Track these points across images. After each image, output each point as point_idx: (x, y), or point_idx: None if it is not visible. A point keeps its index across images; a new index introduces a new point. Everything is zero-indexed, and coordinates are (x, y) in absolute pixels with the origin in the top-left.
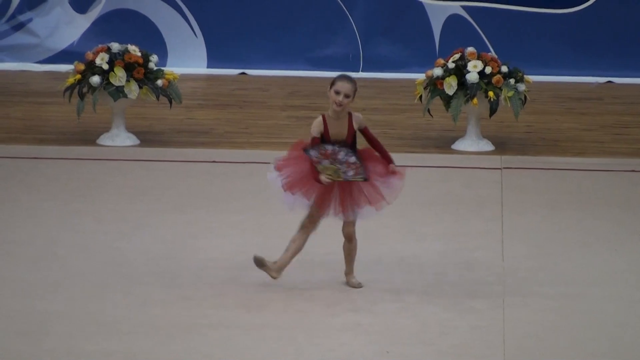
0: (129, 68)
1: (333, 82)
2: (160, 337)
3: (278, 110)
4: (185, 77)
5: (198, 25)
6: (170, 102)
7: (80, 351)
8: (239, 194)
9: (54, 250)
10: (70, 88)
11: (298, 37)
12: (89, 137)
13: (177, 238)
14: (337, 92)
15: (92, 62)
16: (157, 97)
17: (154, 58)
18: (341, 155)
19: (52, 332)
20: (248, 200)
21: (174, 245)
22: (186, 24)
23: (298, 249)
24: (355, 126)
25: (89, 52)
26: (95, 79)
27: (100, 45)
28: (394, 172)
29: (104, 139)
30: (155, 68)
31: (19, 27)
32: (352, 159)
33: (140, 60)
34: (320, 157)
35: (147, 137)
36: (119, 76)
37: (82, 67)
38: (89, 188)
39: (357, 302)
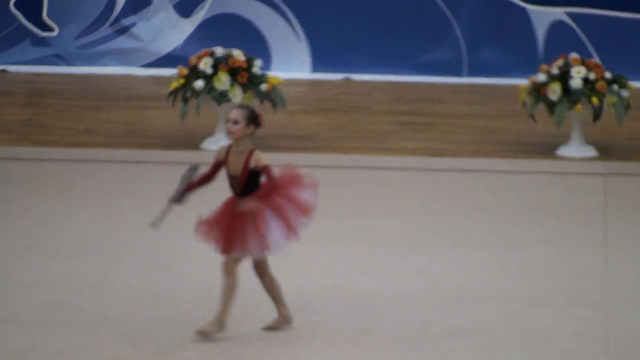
0: (233, 72)
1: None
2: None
3: (382, 115)
4: (289, 82)
5: (302, 29)
6: (274, 107)
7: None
8: (342, 200)
9: (158, 257)
10: (174, 92)
11: (402, 42)
12: (192, 142)
13: None
14: (227, 121)
15: (196, 67)
16: (261, 102)
17: (258, 62)
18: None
19: (158, 337)
20: (352, 206)
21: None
22: (290, 29)
23: (229, 296)
24: (252, 164)
25: (192, 57)
26: (199, 84)
27: (204, 50)
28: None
29: (208, 143)
30: (259, 72)
31: (123, 31)
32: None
33: (244, 65)
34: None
35: None
36: (222, 80)
37: (185, 71)
38: (192, 193)
39: (459, 308)
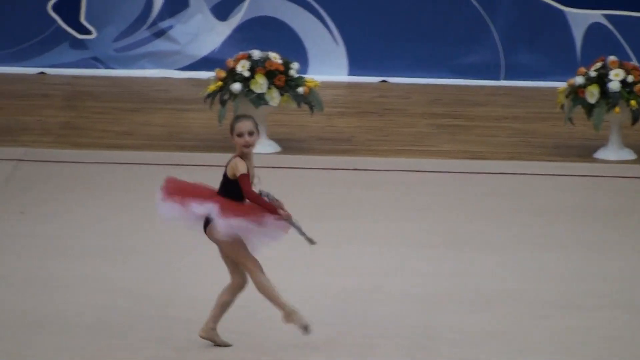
0: (270, 75)
1: (231, 127)
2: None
3: (419, 118)
4: (326, 85)
5: (339, 32)
6: (312, 110)
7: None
8: (379, 202)
9: (201, 260)
10: (212, 95)
11: (439, 45)
12: (230, 144)
13: (315, 247)
14: (240, 135)
15: (233, 70)
16: (299, 105)
17: (295, 65)
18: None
19: (198, 338)
20: (387, 209)
21: (311, 254)
22: (327, 32)
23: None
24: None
25: (230, 60)
26: (237, 86)
27: (241, 53)
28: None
29: None
30: (296, 75)
31: (160, 34)
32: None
33: (281, 68)
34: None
35: (288, 145)
36: (260, 83)
37: (223, 74)
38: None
39: (493, 310)
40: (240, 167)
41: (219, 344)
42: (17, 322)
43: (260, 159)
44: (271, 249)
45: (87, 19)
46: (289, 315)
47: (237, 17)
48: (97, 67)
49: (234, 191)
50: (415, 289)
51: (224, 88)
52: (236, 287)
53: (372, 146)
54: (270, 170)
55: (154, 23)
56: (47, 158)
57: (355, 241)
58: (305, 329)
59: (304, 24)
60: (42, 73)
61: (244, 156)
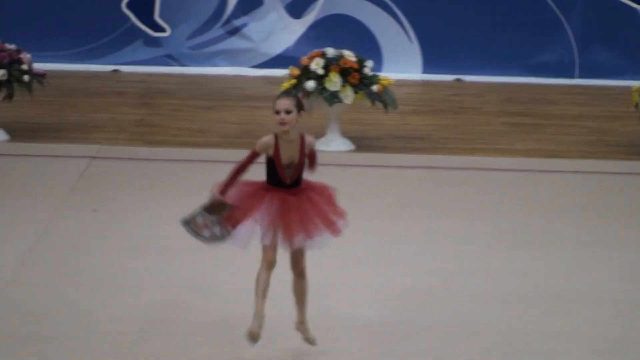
0: (344, 73)
1: (273, 104)
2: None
3: (493, 116)
4: (400, 83)
5: (413, 31)
6: (386, 108)
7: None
8: (452, 201)
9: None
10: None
11: (513, 43)
12: None
13: (388, 245)
14: (277, 112)
15: (307, 67)
16: (373, 103)
17: (369, 63)
18: (210, 229)
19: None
20: (462, 207)
21: (384, 252)
22: (401, 30)
23: (263, 291)
24: (307, 150)
25: (304, 57)
26: (311, 84)
27: (315, 50)
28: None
29: (319, 144)
30: (370, 73)
31: (234, 31)
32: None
33: (356, 66)
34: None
35: (362, 142)
36: (334, 81)
37: (297, 72)
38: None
39: (566, 309)
40: (258, 144)
41: (306, 339)
42: (88, 319)
43: (333, 157)
44: (347, 248)
45: (161, 16)
46: (255, 320)
47: (312, 15)
48: (171, 65)
49: (268, 169)
50: (486, 288)
51: (298, 86)
52: (295, 278)
53: (446, 144)
54: (344, 168)
55: (228, 21)
56: (120, 155)
57: (429, 240)
58: (253, 338)
59: (378, 22)
60: (115, 71)
61: (280, 135)
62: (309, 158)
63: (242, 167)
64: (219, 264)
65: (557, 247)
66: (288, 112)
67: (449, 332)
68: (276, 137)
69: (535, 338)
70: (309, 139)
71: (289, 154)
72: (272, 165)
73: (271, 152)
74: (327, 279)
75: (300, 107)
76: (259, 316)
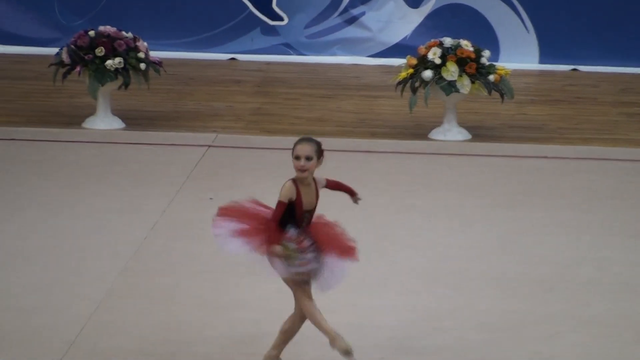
0: (461, 63)
1: (293, 148)
2: (481, 332)
3: (609, 106)
4: (516, 73)
5: (530, 20)
6: (502, 97)
7: (410, 345)
8: (568, 191)
9: (384, 245)
10: (403, 82)
11: (630, 34)
12: (420, 132)
13: (504, 235)
14: (298, 157)
15: (425, 57)
16: (489, 92)
17: (486, 53)
18: (309, 254)
19: (381, 325)
20: (576, 198)
21: (501, 242)
22: (518, 20)
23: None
24: (320, 192)
25: (421, 47)
26: (428, 74)
27: (432, 40)
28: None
29: (436, 133)
30: (487, 63)
31: (352, 20)
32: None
33: (473, 55)
34: (295, 240)
35: (479, 132)
36: (451, 71)
37: (414, 61)
38: (420, 183)
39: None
40: (282, 193)
41: None
42: (203, 306)
43: (449, 146)
44: (465, 236)
45: (279, 5)
46: (334, 340)
47: (429, 5)
48: (289, 54)
49: (285, 214)
50: (600, 277)
51: (415, 75)
52: (296, 316)
53: (562, 134)
54: (460, 157)
55: (346, 10)
56: (237, 144)
57: (542, 229)
58: (347, 353)
59: (495, 11)
60: (233, 59)
61: (300, 181)
62: (338, 189)
63: (277, 221)
64: (394, 264)
65: None
66: (309, 158)
67: (567, 319)
68: (295, 182)
69: None
70: (317, 179)
71: (308, 200)
72: (292, 210)
73: (294, 198)
74: (442, 268)
75: (320, 153)
76: (336, 334)
